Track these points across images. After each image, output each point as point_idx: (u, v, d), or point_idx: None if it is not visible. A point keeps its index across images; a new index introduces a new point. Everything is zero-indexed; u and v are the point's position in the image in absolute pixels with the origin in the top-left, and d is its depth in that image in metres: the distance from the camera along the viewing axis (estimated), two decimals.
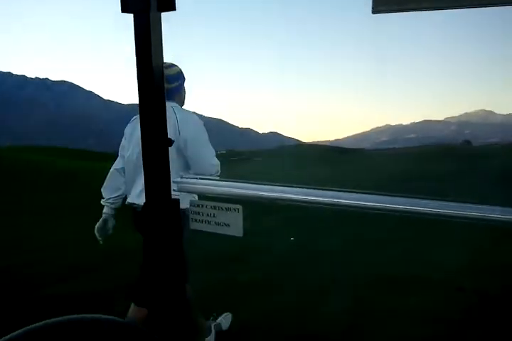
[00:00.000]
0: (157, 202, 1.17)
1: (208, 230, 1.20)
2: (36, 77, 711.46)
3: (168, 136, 2.85)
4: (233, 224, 1.14)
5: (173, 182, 1.20)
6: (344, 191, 1.00)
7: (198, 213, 1.21)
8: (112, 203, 3.15)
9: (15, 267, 5.31)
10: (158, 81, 1.09)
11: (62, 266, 5.32)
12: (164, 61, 3.06)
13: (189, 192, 1.21)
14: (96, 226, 3.13)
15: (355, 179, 16.04)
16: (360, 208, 1.01)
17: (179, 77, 3.02)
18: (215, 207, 1.17)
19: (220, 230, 1.16)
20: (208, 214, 1.18)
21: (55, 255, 5.92)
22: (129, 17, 1.13)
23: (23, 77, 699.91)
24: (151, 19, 1.04)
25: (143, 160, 1.17)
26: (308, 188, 1.08)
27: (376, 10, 1.00)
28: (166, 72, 2.92)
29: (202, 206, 1.20)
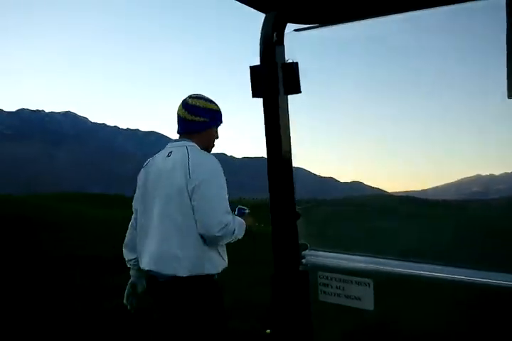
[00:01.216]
0: (286, 273, 1.18)
1: (338, 303, 1.22)
2: (128, 128, 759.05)
3: (178, 181, 2.46)
4: (364, 297, 1.13)
5: (302, 254, 1.24)
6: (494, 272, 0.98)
7: (327, 285, 1.23)
8: (134, 265, 2.74)
9: None
10: (287, 160, 1.16)
11: None
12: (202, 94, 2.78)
13: (317, 265, 1.24)
14: (125, 293, 2.77)
15: (438, 234, 14.77)
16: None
17: (206, 113, 2.63)
18: (344, 280, 1.18)
19: (349, 303, 1.16)
20: (337, 287, 1.19)
21: None
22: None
23: (116, 127, 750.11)
24: (280, 102, 1.14)
25: (272, 232, 1.23)
26: (448, 266, 1.07)
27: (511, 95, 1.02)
28: (192, 101, 2.65)
29: (331, 279, 1.22)
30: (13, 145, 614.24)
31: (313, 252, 1.23)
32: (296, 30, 1.16)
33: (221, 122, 2.70)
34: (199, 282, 2.40)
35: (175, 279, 2.40)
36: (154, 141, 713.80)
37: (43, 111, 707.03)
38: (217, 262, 2.48)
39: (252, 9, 1.12)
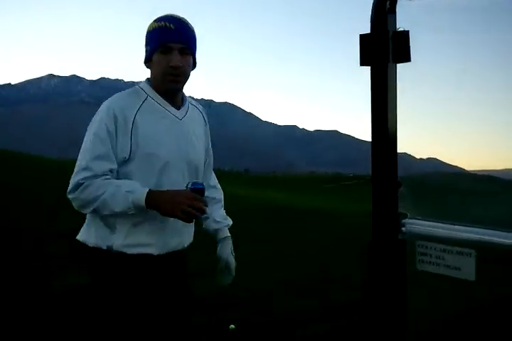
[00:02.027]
0: (384, 241, 1.21)
1: (436, 272, 1.20)
2: (202, 99, 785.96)
3: None
4: (465, 268, 1.15)
5: (402, 222, 1.22)
6: None
7: (426, 254, 1.21)
8: None
9: None
10: (392, 128, 1.21)
11: None
12: None
13: (417, 234, 1.22)
14: None
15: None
16: None
17: (146, 38, 1.87)
18: (444, 250, 1.18)
19: (449, 273, 1.18)
20: (436, 257, 1.20)
21: None
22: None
23: (190, 97, 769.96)
24: (388, 71, 1.19)
25: (372, 200, 1.24)
26: None
27: None
28: None
29: (430, 248, 1.20)
30: (93, 113, 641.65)
31: (412, 221, 1.22)
32: None
33: (163, 42, 1.77)
34: (89, 253, 1.85)
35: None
36: (227, 112, 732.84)
37: (122, 80, 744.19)
38: (94, 233, 1.81)
39: None
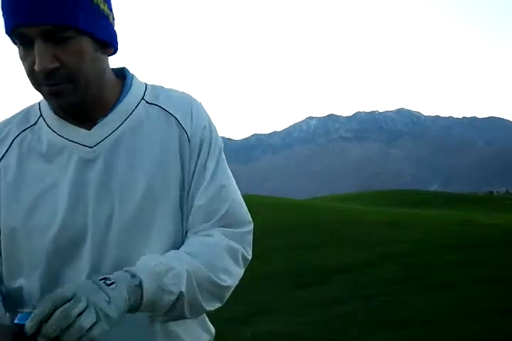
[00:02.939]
0: None
1: None
2: (463, 117, 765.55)
3: None
4: None
5: None
6: None
7: None
8: None
9: None
10: None
11: None
12: None
13: None
14: None
15: None
16: None
17: None
18: None
19: None
20: None
21: None
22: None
23: (450, 118, 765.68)
24: None
25: None
26: None
27: None
28: None
29: None
30: (352, 147, 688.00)
31: None
32: None
33: (12, 27, 0.91)
34: None
35: None
36: (494, 126, 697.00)
37: (376, 111, 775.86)
38: None
39: None
